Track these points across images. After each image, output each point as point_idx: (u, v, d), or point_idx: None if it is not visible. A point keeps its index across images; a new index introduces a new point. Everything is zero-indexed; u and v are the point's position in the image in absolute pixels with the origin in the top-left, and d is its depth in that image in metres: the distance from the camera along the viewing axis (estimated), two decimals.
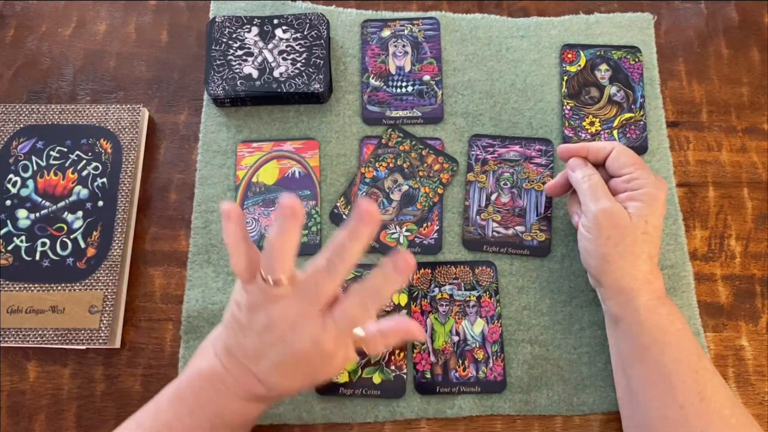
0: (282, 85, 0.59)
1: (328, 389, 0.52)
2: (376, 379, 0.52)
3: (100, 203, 0.56)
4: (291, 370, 0.41)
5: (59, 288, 0.54)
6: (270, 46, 0.60)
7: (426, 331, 0.54)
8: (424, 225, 0.57)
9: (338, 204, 0.58)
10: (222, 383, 0.41)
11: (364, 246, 0.41)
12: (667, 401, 0.45)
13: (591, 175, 0.49)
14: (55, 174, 0.57)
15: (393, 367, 0.53)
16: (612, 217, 0.47)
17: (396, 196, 0.58)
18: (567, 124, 0.60)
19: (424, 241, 0.57)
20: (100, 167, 0.57)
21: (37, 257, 0.54)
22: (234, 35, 0.61)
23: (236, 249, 0.41)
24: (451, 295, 0.55)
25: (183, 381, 0.42)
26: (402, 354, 0.53)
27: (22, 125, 0.58)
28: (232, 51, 0.60)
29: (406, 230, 0.57)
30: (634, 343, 0.47)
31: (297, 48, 0.60)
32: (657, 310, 0.47)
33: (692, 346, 0.46)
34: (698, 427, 0.43)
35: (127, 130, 0.59)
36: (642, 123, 0.60)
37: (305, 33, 0.61)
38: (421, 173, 0.59)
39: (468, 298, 0.55)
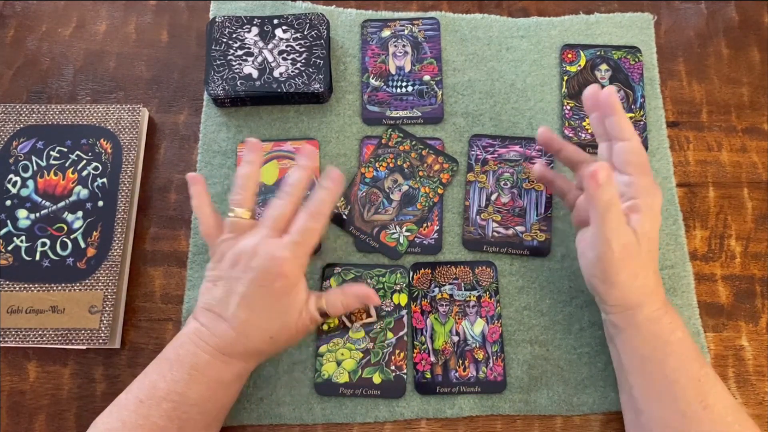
0: (282, 85, 0.59)
1: (328, 389, 0.52)
2: (376, 379, 0.52)
3: (100, 203, 0.56)
4: (256, 301, 0.45)
5: (59, 288, 0.54)
6: (270, 46, 0.60)
7: (426, 331, 0.54)
8: (424, 225, 0.57)
9: (338, 204, 0.58)
10: (198, 336, 0.45)
11: (308, 174, 0.49)
12: (670, 410, 0.44)
13: (616, 199, 0.44)
14: (55, 174, 0.57)
15: (393, 367, 0.53)
16: (628, 248, 0.45)
17: (396, 196, 0.58)
18: (567, 124, 0.60)
19: (424, 241, 0.57)
20: (100, 167, 0.57)
21: (37, 257, 0.54)
22: (234, 35, 0.61)
23: (201, 210, 0.50)
24: (451, 295, 0.55)
25: (165, 348, 0.47)
26: (402, 354, 0.53)
27: (22, 125, 0.58)
28: (232, 51, 0.60)
29: (406, 230, 0.57)
30: (635, 353, 0.47)
31: (297, 48, 0.60)
32: (659, 320, 0.46)
33: (693, 354, 0.46)
34: None
35: (127, 130, 0.59)
36: (642, 123, 0.60)
37: (305, 33, 0.61)
38: (421, 173, 0.59)
39: (468, 298, 0.55)
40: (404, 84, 0.61)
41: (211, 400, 0.45)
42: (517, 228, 0.57)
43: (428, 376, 0.53)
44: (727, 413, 0.44)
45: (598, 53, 0.63)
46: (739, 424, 0.44)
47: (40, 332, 0.52)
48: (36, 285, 0.54)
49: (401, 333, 0.54)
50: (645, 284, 0.46)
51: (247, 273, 0.46)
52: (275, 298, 0.46)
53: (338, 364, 0.53)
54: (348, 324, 0.54)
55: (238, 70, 0.59)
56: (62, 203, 0.56)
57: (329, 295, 0.49)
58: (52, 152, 0.58)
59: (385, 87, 0.61)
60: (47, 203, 0.56)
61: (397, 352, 0.53)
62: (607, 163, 0.45)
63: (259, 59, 0.60)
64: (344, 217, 0.57)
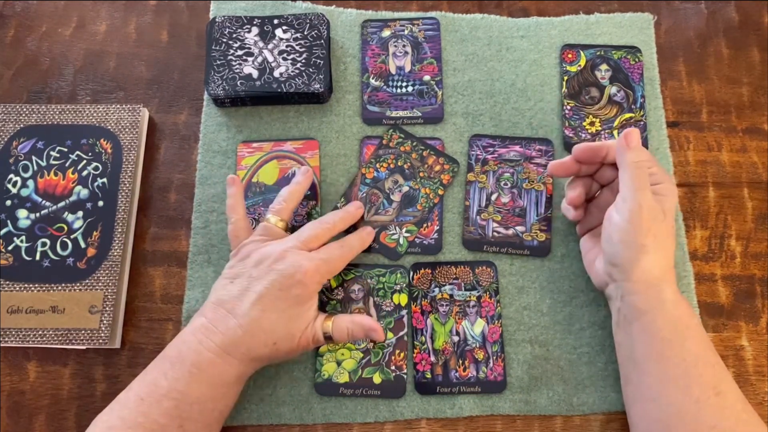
0: (282, 85, 0.59)
1: (329, 389, 0.52)
2: (376, 379, 0.52)
3: (101, 203, 0.56)
4: (271, 302, 0.46)
5: (59, 288, 0.54)
6: (270, 46, 0.60)
7: (426, 331, 0.54)
8: (424, 225, 0.57)
9: (339, 204, 0.58)
10: (203, 333, 0.46)
11: (350, 215, 0.54)
12: (684, 396, 0.44)
13: (645, 161, 0.47)
14: (56, 174, 0.57)
15: (393, 367, 0.53)
16: (655, 212, 0.46)
17: (396, 197, 0.58)
18: (567, 124, 0.60)
19: (425, 241, 0.57)
20: (100, 167, 0.57)
21: (38, 257, 0.54)
22: (234, 35, 0.61)
23: (234, 211, 0.52)
24: (451, 295, 0.55)
25: (167, 347, 0.47)
26: (402, 354, 0.53)
27: (22, 125, 0.58)
28: (232, 51, 0.60)
29: (406, 231, 0.57)
30: (656, 337, 0.46)
31: (297, 48, 0.60)
32: (681, 303, 0.47)
33: (708, 340, 0.47)
34: (711, 421, 0.43)
35: (127, 130, 0.59)
36: (642, 123, 0.60)
37: (305, 33, 0.61)
38: (421, 174, 0.59)
39: (468, 298, 0.55)
40: (404, 84, 0.61)
41: (212, 400, 0.45)
42: (517, 228, 0.57)
43: (428, 376, 0.53)
44: (737, 401, 0.45)
45: (598, 53, 0.63)
46: (747, 413, 0.44)
47: (40, 332, 0.52)
48: (36, 285, 0.54)
49: (401, 333, 0.54)
50: (668, 260, 0.47)
51: (269, 274, 0.47)
52: (289, 305, 0.47)
53: (338, 364, 0.53)
54: None
55: (238, 70, 0.59)
56: (62, 203, 0.56)
57: (337, 319, 0.50)
58: (52, 152, 0.58)
59: (385, 87, 0.61)
60: (47, 203, 0.56)
61: (397, 352, 0.53)
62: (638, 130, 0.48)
63: (259, 59, 0.60)
64: None
